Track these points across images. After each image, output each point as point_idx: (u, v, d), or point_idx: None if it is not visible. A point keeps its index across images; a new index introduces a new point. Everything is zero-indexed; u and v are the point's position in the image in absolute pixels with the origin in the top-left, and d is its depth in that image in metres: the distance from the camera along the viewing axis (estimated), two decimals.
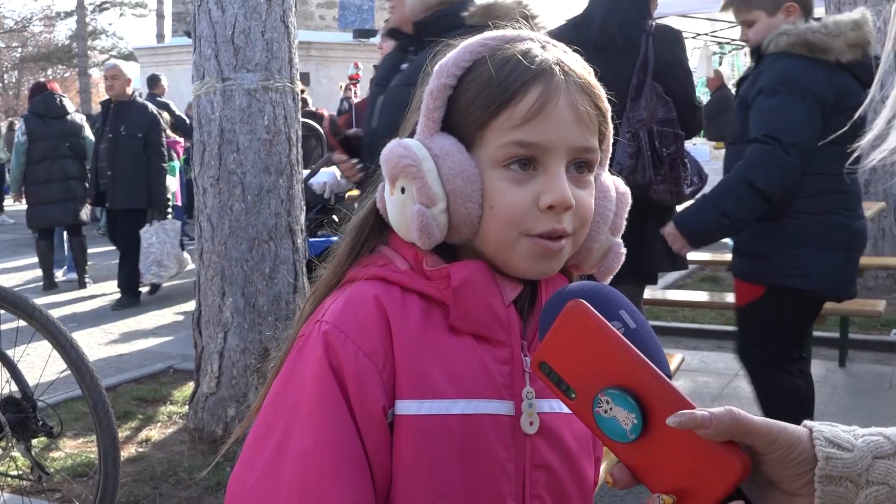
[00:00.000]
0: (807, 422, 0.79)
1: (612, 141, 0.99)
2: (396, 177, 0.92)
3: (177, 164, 9.35)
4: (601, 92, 0.95)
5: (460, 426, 0.90)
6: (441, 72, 0.93)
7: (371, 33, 17.70)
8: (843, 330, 5.20)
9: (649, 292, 5.20)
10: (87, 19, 31.12)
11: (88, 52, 30.39)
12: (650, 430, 0.75)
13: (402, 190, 0.91)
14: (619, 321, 0.82)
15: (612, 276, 1.02)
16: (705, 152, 9.56)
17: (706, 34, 13.77)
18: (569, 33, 3.41)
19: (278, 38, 3.83)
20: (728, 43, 14.67)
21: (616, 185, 1.01)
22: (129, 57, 31.49)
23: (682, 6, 11.36)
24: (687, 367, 5.03)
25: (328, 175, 6.23)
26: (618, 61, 3.28)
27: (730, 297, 5.18)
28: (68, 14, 32.86)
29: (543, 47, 0.94)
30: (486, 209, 0.91)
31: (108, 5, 33.18)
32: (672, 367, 2.90)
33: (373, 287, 0.92)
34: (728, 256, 6.89)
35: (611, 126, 0.97)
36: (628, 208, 1.02)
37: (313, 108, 9.45)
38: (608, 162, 1.00)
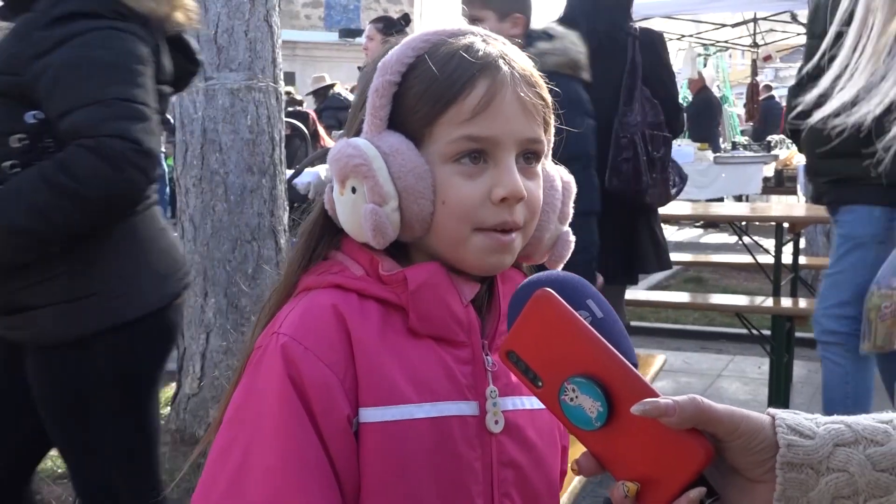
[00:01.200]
0: (770, 409, 0.80)
1: (554, 131, 1.00)
2: (347, 177, 0.91)
3: None
4: (543, 83, 0.96)
5: (426, 430, 0.89)
6: (385, 69, 0.92)
7: (357, 33, 17.70)
8: None
9: (632, 293, 5.21)
10: None
11: None
12: (615, 418, 0.76)
13: (353, 190, 0.91)
14: (587, 310, 0.83)
15: (562, 265, 1.03)
16: (689, 153, 9.59)
17: (691, 36, 13.83)
18: None
19: (262, 37, 3.81)
20: (713, 44, 14.75)
21: (560, 175, 1.02)
22: None
23: (667, 7, 11.41)
24: (670, 367, 5.05)
25: (312, 175, 6.21)
26: (604, 65, 3.30)
27: (713, 298, 5.21)
28: None
29: (485, 41, 0.94)
30: (438, 205, 0.91)
31: None
32: (654, 368, 2.91)
33: (329, 296, 0.91)
34: (713, 258, 6.91)
35: (553, 116, 0.98)
36: (574, 197, 1.03)
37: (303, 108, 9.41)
38: (552, 152, 1.01)
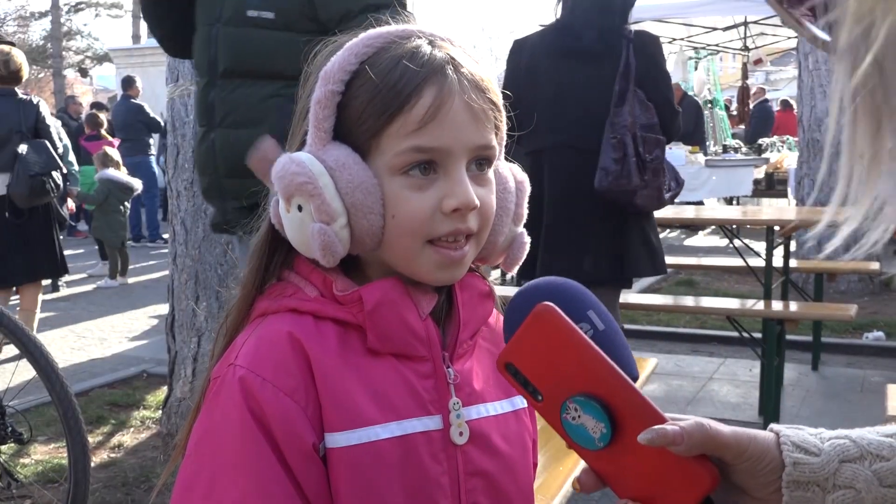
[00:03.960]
0: (773, 425, 0.79)
1: (505, 132, 0.96)
2: (292, 195, 0.87)
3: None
4: (493, 85, 0.92)
5: (392, 449, 0.88)
6: (327, 78, 0.88)
7: None
8: (816, 334, 5.25)
9: (624, 296, 5.21)
10: (62, 20, 30.85)
11: (63, 52, 30.11)
12: (619, 438, 0.74)
13: (300, 208, 0.87)
14: (588, 322, 0.81)
15: (518, 266, 1.01)
16: (681, 156, 9.62)
17: (682, 39, 13.86)
18: (549, 38, 3.41)
19: None
20: (704, 48, 14.79)
21: (514, 174, 0.99)
22: (104, 58, 31.22)
23: (658, 11, 11.44)
24: (661, 370, 5.06)
25: None
26: (599, 67, 3.32)
27: (705, 301, 5.22)
28: (43, 14, 32.50)
29: (431, 43, 0.90)
30: (389, 219, 0.88)
31: (83, 6, 32.85)
32: (646, 371, 2.91)
33: (284, 322, 0.89)
34: (705, 261, 6.92)
35: (504, 118, 0.94)
36: (528, 196, 1.00)
37: None
38: (503, 153, 0.98)
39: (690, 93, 12.93)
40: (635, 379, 0.77)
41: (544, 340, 0.76)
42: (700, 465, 0.73)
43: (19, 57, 5.31)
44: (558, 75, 3.36)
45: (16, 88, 5.40)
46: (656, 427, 0.73)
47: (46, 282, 8.18)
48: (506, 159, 1.00)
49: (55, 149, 5.58)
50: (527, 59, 3.44)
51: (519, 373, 0.78)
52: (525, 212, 1.00)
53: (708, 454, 0.74)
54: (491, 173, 0.94)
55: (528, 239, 1.01)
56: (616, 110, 3.30)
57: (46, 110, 5.62)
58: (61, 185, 5.54)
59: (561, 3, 3.42)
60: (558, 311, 0.76)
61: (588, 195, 3.31)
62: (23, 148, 5.26)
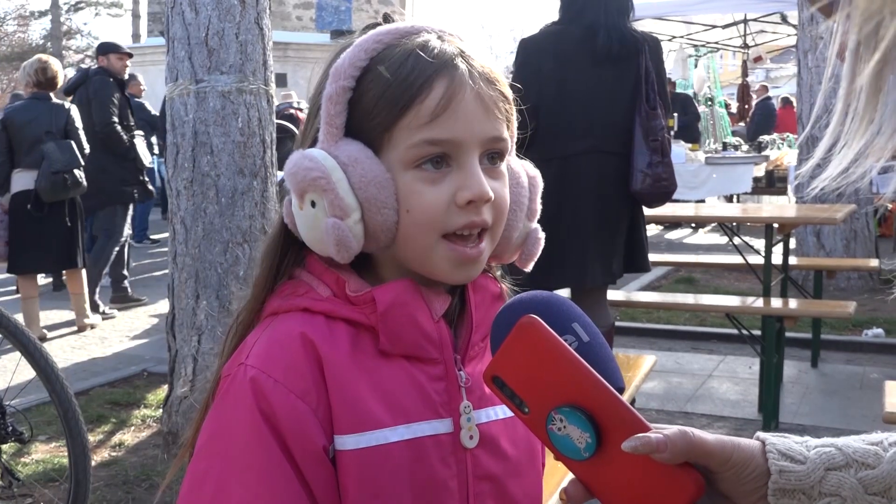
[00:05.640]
0: (759, 434, 0.80)
1: (516, 127, 0.96)
2: (305, 191, 0.87)
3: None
4: (503, 78, 0.92)
5: (401, 453, 0.87)
6: (338, 74, 0.88)
7: (348, 34, 17.65)
8: (816, 331, 5.25)
9: (624, 294, 5.22)
10: (62, 19, 30.85)
11: (63, 51, 30.09)
12: (604, 448, 0.75)
13: (313, 204, 0.87)
14: (572, 335, 0.82)
15: (532, 263, 1.00)
16: (681, 154, 9.63)
17: (681, 37, 13.87)
18: (575, 42, 3.37)
19: (252, 40, 3.81)
20: (703, 45, 14.79)
21: (526, 170, 0.98)
22: None
23: (658, 9, 11.44)
24: (661, 367, 5.06)
25: None
26: (618, 69, 3.32)
27: (704, 299, 5.23)
28: (42, 13, 32.49)
29: (441, 38, 0.89)
30: (403, 213, 0.87)
31: (83, 5, 32.84)
32: (645, 369, 2.91)
33: (297, 322, 0.88)
34: (704, 258, 6.94)
35: (515, 111, 0.94)
36: (541, 191, 0.99)
37: (297, 108, 9.36)
38: (514, 148, 0.98)
39: (689, 90, 12.97)
40: (621, 390, 0.77)
41: (529, 352, 0.77)
42: (685, 473, 0.74)
43: (56, 65, 6.01)
44: (589, 80, 3.33)
45: (51, 94, 6.05)
46: (640, 435, 0.73)
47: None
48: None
49: (81, 150, 6.01)
50: (550, 64, 3.33)
51: (506, 385, 0.78)
52: (538, 207, 0.99)
53: (692, 462, 0.75)
54: (503, 167, 0.93)
55: (542, 235, 1.00)
56: (652, 112, 3.29)
57: (77, 115, 6.15)
58: (83, 182, 6.00)
59: (579, 5, 3.36)
60: (542, 323, 0.77)
61: (616, 198, 3.32)
62: (49, 146, 5.73)
